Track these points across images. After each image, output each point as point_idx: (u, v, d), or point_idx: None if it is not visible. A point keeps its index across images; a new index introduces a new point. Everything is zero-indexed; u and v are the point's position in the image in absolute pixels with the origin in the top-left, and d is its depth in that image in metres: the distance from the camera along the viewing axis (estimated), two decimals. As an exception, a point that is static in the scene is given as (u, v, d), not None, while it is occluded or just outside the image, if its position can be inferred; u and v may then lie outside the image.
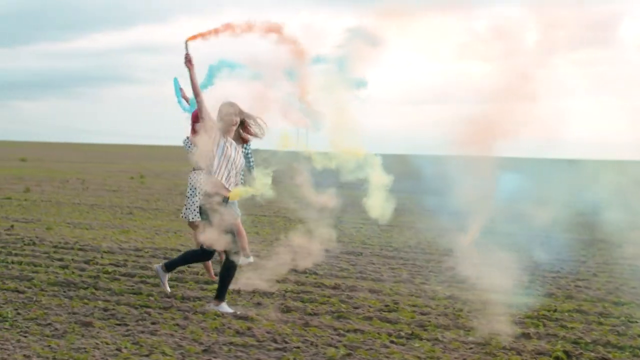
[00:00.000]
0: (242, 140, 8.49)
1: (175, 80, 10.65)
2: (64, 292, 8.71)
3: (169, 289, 8.50)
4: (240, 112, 8.01)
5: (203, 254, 8.24)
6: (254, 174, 9.92)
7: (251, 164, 10.31)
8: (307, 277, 10.22)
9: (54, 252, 11.50)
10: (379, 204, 8.65)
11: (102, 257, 11.18)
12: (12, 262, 10.39)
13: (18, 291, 8.64)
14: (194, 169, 9.40)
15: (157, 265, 8.48)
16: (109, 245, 12.38)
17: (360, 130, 8.97)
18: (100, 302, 8.27)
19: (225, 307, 7.97)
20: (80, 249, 11.93)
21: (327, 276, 10.36)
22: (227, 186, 7.82)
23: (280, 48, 8.02)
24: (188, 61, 7.97)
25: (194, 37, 8.04)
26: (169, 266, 8.33)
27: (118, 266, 10.49)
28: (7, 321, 7.30)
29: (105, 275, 9.74)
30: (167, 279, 8.41)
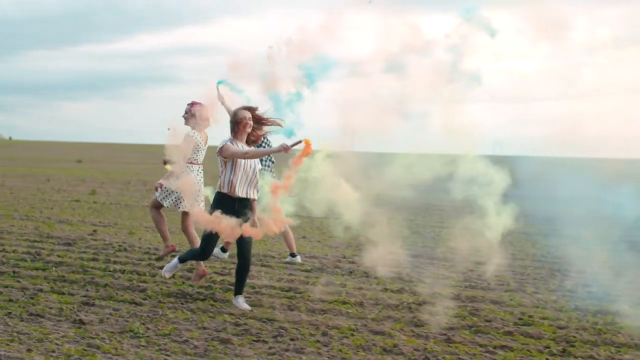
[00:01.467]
0: (252, 141, 8.32)
1: (220, 84, 10.72)
2: (182, 303, 8.29)
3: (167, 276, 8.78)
4: (255, 116, 8.15)
5: (203, 254, 8.32)
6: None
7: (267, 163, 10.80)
8: (406, 285, 9.82)
9: (149, 259, 11.08)
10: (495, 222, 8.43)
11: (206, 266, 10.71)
12: (116, 271, 9.98)
13: (135, 303, 8.23)
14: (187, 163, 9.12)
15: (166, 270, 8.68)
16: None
17: (473, 129, 8.63)
18: (226, 315, 7.84)
19: (241, 302, 8.16)
20: (173, 256, 11.50)
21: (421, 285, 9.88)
22: (244, 189, 7.99)
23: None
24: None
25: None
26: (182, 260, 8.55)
27: (223, 274, 10.06)
28: (140, 337, 6.88)
29: (217, 285, 9.30)
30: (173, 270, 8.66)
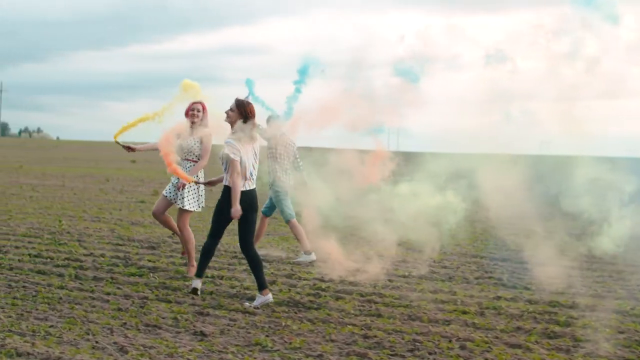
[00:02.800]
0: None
1: (249, 82, 10.71)
2: (297, 312, 7.86)
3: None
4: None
5: (209, 250, 8.30)
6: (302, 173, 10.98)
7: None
8: (520, 292, 9.37)
9: (240, 263, 10.67)
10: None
11: (306, 272, 10.30)
12: (214, 277, 9.59)
13: (249, 312, 7.80)
14: (185, 159, 9.40)
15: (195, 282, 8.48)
16: (291, 257, 11.51)
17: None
18: (349, 326, 7.36)
19: (269, 297, 8.12)
20: (273, 261, 11.07)
21: (538, 292, 9.36)
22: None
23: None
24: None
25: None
26: (199, 273, 8.40)
27: (323, 281, 9.59)
28: (271, 351, 6.46)
29: (326, 293, 8.84)
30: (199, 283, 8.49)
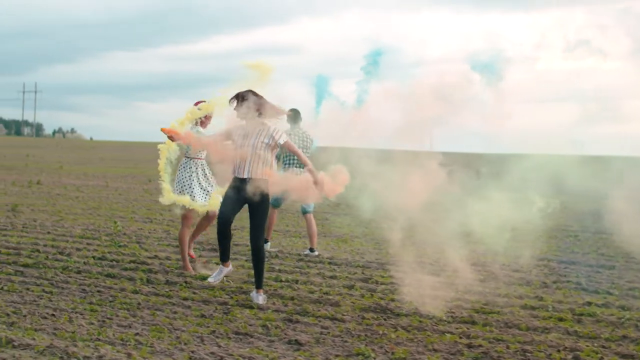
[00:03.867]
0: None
1: (321, 78, 10.48)
2: (387, 319, 7.50)
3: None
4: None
5: (221, 234, 8.04)
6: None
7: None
8: (605, 297, 8.96)
9: (308, 266, 10.28)
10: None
11: (380, 275, 9.90)
12: (289, 281, 9.23)
13: (337, 319, 7.46)
14: (187, 157, 9.42)
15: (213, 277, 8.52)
16: (374, 261, 11.12)
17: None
18: (449, 335, 6.93)
19: (257, 297, 7.95)
20: (359, 266, 10.68)
21: (624, 297, 8.95)
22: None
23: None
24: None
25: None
26: (224, 258, 8.31)
27: (402, 285, 9.14)
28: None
29: (409, 298, 8.41)
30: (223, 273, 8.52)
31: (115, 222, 14.32)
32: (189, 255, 9.68)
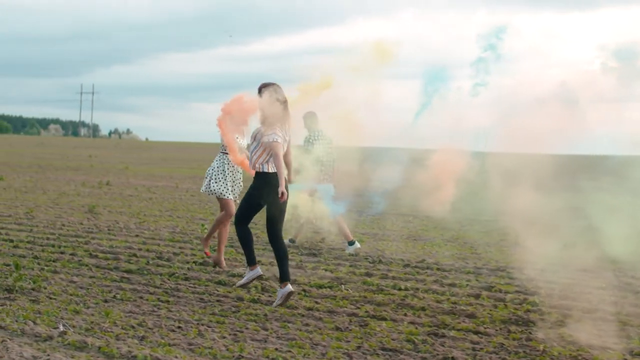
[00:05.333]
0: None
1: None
2: (530, 332, 6.78)
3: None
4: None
5: (241, 233, 7.90)
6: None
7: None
8: None
9: (455, 276, 9.66)
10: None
11: (504, 283, 9.24)
12: (396, 287, 8.63)
13: (480, 332, 6.80)
14: (223, 152, 9.59)
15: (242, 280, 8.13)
16: (482, 267, 10.48)
17: None
18: (611, 351, 6.25)
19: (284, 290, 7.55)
20: (470, 272, 10.05)
21: None
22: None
23: None
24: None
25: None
26: (249, 261, 7.97)
27: (527, 293, 8.51)
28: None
29: (534, 308, 7.76)
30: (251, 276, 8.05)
31: (202, 225, 13.90)
32: (204, 252, 9.98)
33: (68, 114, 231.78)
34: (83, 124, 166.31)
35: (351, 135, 9.80)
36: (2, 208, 16.56)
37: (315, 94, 8.74)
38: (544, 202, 8.32)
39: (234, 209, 9.47)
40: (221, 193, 9.54)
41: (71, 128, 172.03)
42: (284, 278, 7.63)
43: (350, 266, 10.13)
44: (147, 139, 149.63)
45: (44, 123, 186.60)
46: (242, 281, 8.14)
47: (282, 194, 7.41)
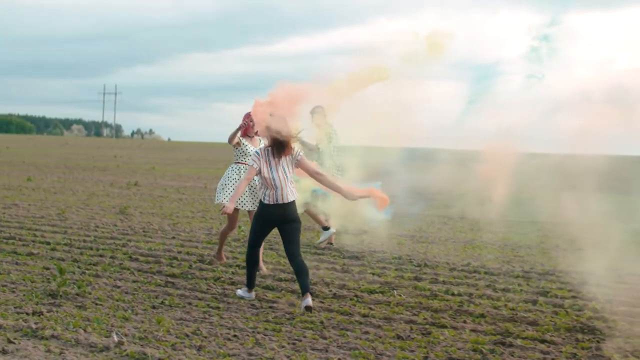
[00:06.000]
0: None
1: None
2: (598, 342, 6.47)
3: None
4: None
5: (250, 258, 7.74)
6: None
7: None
8: None
9: (506, 281, 9.36)
10: None
11: (553, 288, 8.94)
12: (453, 294, 8.36)
13: (546, 341, 6.49)
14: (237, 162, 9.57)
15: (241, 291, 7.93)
16: (530, 270, 10.16)
17: None
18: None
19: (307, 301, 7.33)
20: (519, 276, 9.75)
21: None
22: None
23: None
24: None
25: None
26: (249, 285, 7.84)
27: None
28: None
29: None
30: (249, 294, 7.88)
31: (239, 227, 13.67)
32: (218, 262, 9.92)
33: (90, 114, 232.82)
34: (105, 124, 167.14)
35: (395, 135, 9.49)
36: (34, 209, 16.45)
37: (364, 85, 8.41)
38: (595, 204, 8.04)
39: (235, 221, 9.68)
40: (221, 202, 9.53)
41: (94, 128, 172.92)
42: (304, 290, 7.44)
43: (396, 270, 9.87)
44: (169, 139, 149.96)
45: (66, 123, 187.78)
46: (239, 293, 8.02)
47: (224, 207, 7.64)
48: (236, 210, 9.37)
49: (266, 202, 7.46)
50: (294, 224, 7.48)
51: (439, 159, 9.62)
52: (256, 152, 7.54)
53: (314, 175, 7.58)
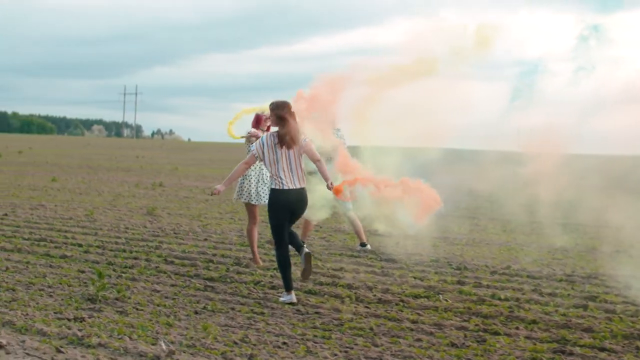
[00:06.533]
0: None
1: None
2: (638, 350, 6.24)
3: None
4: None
5: (281, 259, 7.72)
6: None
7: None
8: None
9: (550, 285, 9.12)
10: None
11: (600, 293, 8.71)
12: (501, 298, 8.13)
13: (607, 350, 6.24)
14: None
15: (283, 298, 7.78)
16: (572, 273, 9.92)
17: None
18: None
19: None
20: (562, 280, 9.52)
21: None
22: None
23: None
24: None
25: None
26: (287, 287, 7.76)
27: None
28: None
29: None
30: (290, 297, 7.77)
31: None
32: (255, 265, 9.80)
33: (111, 115, 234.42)
34: (126, 125, 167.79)
35: (433, 135, 9.25)
36: (61, 210, 16.38)
37: (410, 79, 8.17)
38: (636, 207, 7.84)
39: (255, 215, 9.75)
40: (248, 197, 9.69)
41: (114, 129, 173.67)
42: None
43: (436, 273, 9.65)
44: (189, 140, 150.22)
45: (87, 124, 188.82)
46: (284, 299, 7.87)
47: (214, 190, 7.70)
48: (254, 206, 9.65)
49: (274, 187, 7.55)
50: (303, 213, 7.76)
51: (481, 160, 9.41)
52: (262, 139, 7.60)
53: (314, 160, 7.62)
